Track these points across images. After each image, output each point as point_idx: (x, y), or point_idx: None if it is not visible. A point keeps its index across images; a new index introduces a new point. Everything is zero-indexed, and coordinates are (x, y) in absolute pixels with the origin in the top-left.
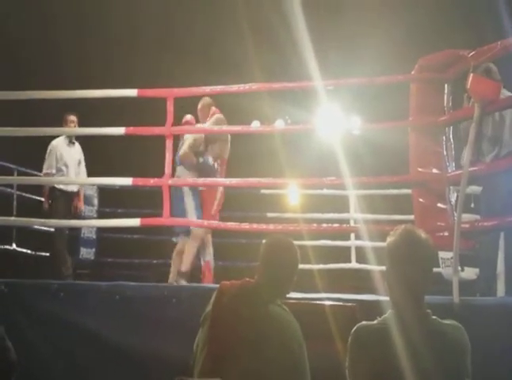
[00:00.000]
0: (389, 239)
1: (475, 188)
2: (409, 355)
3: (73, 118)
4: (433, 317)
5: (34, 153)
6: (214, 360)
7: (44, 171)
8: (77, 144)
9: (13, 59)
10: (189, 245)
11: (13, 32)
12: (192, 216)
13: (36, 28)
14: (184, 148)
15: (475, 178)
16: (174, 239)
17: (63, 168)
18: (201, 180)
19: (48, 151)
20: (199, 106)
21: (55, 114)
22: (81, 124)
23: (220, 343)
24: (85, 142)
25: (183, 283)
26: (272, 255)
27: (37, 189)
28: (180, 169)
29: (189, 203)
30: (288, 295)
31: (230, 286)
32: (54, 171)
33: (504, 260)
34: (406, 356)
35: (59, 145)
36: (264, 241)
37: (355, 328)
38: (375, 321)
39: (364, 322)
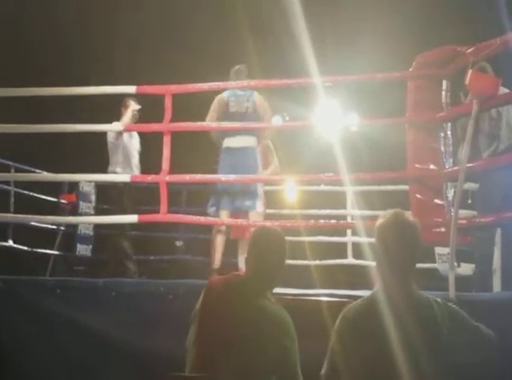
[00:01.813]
0: (379, 221)
1: (472, 184)
2: (395, 327)
3: (136, 106)
4: (420, 292)
5: (31, 150)
6: (203, 357)
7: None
8: (136, 134)
9: (15, 57)
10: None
11: (16, 29)
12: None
13: (39, 25)
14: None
15: (473, 174)
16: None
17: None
18: (199, 177)
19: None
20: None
21: (54, 111)
22: (81, 121)
23: (209, 340)
24: (85, 138)
25: None
26: (259, 246)
27: (34, 186)
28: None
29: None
30: (284, 291)
31: (217, 281)
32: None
33: (501, 256)
34: (393, 328)
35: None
36: (252, 232)
37: (344, 309)
38: (363, 297)
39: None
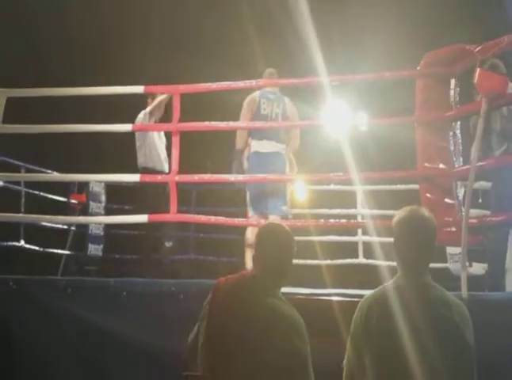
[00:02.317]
0: (397, 215)
1: (483, 183)
2: (406, 326)
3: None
4: (438, 289)
5: (42, 150)
6: (212, 361)
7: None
8: None
9: (25, 57)
10: None
11: (26, 30)
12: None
13: (49, 26)
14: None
15: (484, 173)
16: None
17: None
18: (208, 177)
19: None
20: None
21: (64, 111)
22: (91, 121)
23: (221, 339)
24: (94, 138)
25: None
26: (266, 243)
27: (44, 186)
28: None
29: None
30: (295, 291)
31: (225, 281)
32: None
33: None
34: (404, 328)
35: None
36: (258, 228)
37: (358, 304)
38: (378, 291)
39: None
